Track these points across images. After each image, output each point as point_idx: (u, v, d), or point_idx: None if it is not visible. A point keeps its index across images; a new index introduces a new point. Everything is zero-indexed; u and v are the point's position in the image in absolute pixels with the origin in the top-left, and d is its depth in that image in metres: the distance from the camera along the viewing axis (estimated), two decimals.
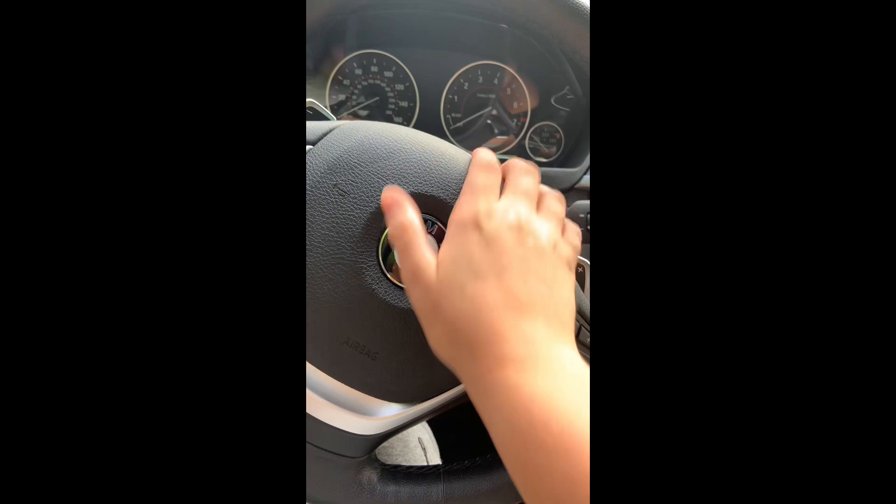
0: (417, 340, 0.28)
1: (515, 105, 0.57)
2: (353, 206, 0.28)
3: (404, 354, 0.28)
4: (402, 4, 0.47)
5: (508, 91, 0.57)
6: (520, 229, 0.23)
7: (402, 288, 0.28)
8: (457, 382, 0.29)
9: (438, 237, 0.29)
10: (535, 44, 0.53)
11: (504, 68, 0.56)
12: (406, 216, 0.25)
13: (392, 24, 0.53)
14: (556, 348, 0.22)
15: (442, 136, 0.58)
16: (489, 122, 0.58)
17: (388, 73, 0.55)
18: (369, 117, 0.57)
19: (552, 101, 0.56)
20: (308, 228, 0.27)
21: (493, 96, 0.57)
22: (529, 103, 0.57)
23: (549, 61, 0.54)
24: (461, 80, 0.56)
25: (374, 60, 0.54)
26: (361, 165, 0.28)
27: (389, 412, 0.29)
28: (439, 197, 0.29)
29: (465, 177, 0.28)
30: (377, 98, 0.56)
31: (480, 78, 0.56)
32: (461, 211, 0.24)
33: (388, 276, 0.28)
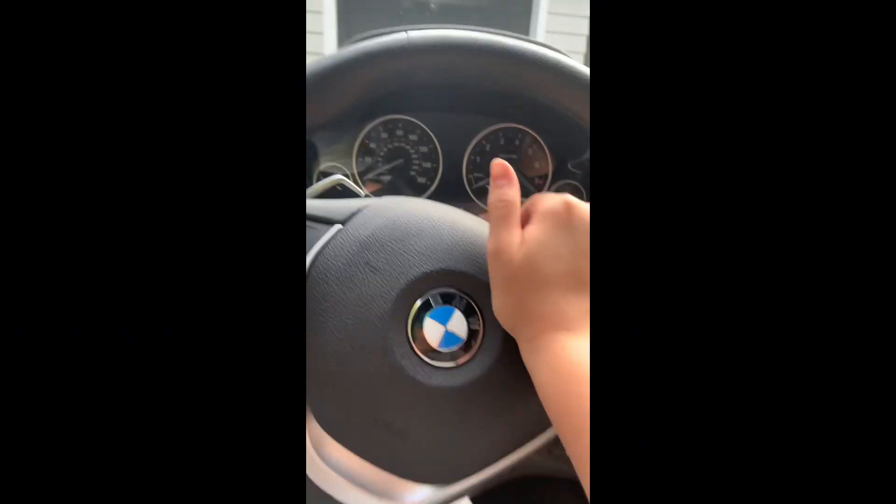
0: (448, 419, 0.28)
1: (536, 165, 0.58)
2: (383, 282, 0.28)
3: (434, 433, 0.28)
4: (422, 85, 0.49)
5: (529, 152, 0.58)
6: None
7: (430, 365, 0.28)
8: (487, 463, 0.29)
9: (467, 312, 0.29)
10: (552, 111, 0.54)
11: (525, 131, 0.57)
12: (512, 192, 0.28)
13: (415, 94, 0.55)
14: None
15: (464, 195, 0.59)
16: None
17: (413, 137, 0.57)
18: (393, 179, 0.58)
19: (570, 167, 0.57)
20: (339, 307, 0.28)
21: (514, 157, 0.58)
22: (550, 165, 0.58)
23: (568, 127, 0.55)
24: (483, 142, 0.57)
25: (400, 125, 0.56)
26: (393, 243, 0.29)
27: (418, 496, 0.28)
28: (468, 272, 0.29)
29: None
30: (401, 160, 0.57)
31: (502, 140, 0.57)
32: (551, 201, 0.28)
33: (416, 349, 0.28)
